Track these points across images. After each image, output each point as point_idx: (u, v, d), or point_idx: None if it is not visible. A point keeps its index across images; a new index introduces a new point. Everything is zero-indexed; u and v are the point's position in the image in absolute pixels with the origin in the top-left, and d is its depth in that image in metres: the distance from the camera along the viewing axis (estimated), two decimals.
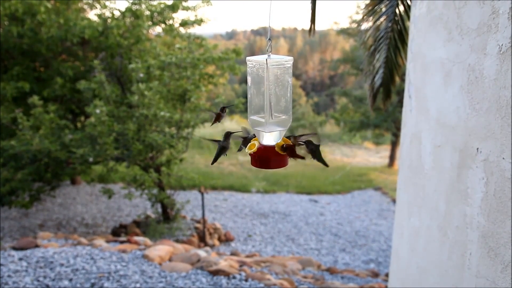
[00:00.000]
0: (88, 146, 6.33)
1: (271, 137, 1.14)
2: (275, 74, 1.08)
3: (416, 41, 2.36)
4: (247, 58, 1.10)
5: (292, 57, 1.11)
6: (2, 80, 7.11)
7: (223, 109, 1.37)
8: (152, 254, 4.37)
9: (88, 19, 7.72)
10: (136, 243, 5.23)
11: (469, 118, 1.72)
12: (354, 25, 15.02)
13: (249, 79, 1.11)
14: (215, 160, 1.29)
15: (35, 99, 6.28)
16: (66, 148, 6.43)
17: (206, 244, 6.95)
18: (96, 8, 8.60)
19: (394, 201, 9.89)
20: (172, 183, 7.36)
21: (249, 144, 1.17)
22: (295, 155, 1.14)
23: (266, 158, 1.14)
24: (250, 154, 1.15)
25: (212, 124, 1.42)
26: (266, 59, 1.05)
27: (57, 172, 7.18)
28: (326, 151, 16.20)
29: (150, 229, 6.88)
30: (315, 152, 1.15)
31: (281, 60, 1.08)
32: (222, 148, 1.27)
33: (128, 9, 7.38)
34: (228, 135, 1.27)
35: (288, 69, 1.09)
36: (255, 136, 1.20)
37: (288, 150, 1.13)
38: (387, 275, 5.62)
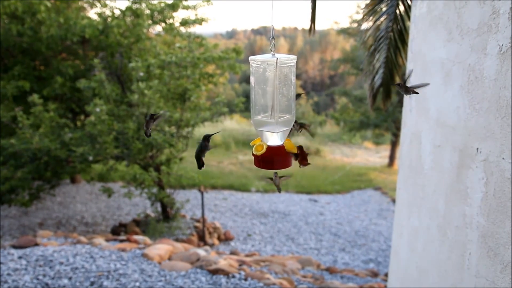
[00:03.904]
0: (88, 144, 6.33)
1: (277, 137, 1.13)
2: (281, 73, 1.08)
3: (416, 41, 2.36)
4: (251, 57, 1.09)
5: (295, 56, 1.10)
6: (2, 79, 7.10)
7: (152, 116, 1.32)
8: (152, 253, 4.38)
9: (89, 18, 7.71)
10: (136, 242, 5.23)
11: (469, 118, 1.72)
12: (354, 25, 15.01)
13: (252, 79, 1.10)
14: (199, 161, 1.29)
15: (35, 97, 6.28)
16: (66, 146, 6.43)
17: (205, 243, 6.95)
18: (97, 7, 8.60)
19: (393, 201, 9.89)
20: (171, 182, 7.36)
21: (255, 145, 1.15)
22: (305, 162, 1.18)
23: (270, 158, 1.13)
24: (254, 155, 1.14)
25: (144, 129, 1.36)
26: (277, 58, 1.05)
27: (57, 171, 7.18)
28: (326, 151, 16.20)
29: (150, 228, 6.88)
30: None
31: (287, 59, 1.08)
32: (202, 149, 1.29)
33: (129, 8, 7.37)
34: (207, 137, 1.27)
35: (291, 68, 1.09)
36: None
37: (300, 156, 1.17)
38: (386, 275, 5.62)
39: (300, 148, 1.16)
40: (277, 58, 1.05)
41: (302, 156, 1.16)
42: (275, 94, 1.07)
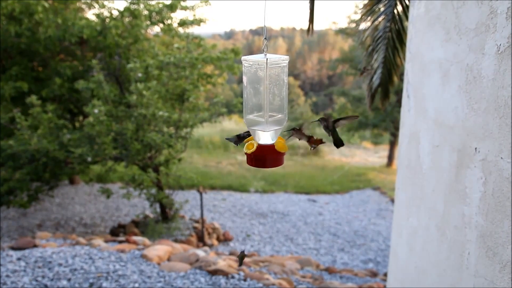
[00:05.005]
0: (86, 145, 6.32)
1: (268, 136, 1.14)
2: (273, 73, 1.09)
3: (414, 41, 2.36)
4: (243, 57, 1.11)
5: (288, 56, 1.12)
6: (1, 80, 7.09)
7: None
8: (151, 254, 4.37)
9: (87, 19, 7.70)
10: (135, 243, 5.22)
11: (467, 118, 1.72)
12: (353, 25, 15.04)
13: (244, 78, 1.12)
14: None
15: (33, 98, 6.27)
16: (64, 147, 6.42)
17: (204, 244, 6.94)
18: (95, 7, 8.58)
19: (392, 200, 9.90)
20: (170, 182, 7.36)
21: (247, 143, 1.17)
22: (317, 142, 1.24)
23: (262, 157, 1.15)
24: (246, 154, 1.16)
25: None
26: (267, 59, 1.06)
27: (55, 172, 7.17)
28: (325, 151, 16.21)
29: (149, 229, 6.87)
30: (330, 128, 1.24)
31: (278, 60, 1.09)
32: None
33: (127, 9, 7.36)
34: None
35: (284, 68, 1.11)
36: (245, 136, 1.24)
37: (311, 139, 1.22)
38: (385, 274, 5.62)
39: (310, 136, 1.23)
40: (267, 59, 1.06)
41: (311, 140, 1.22)
42: (266, 94, 1.09)
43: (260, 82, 1.10)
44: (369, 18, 3.63)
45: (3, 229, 7.42)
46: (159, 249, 4.53)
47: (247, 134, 1.24)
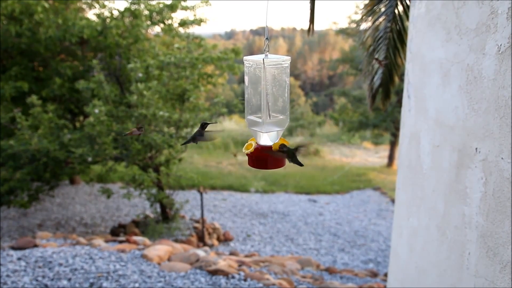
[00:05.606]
0: (87, 145, 6.32)
1: (268, 137, 1.13)
2: (273, 74, 1.08)
3: (415, 41, 2.36)
4: (244, 57, 1.09)
5: (289, 57, 1.10)
6: (1, 80, 7.09)
7: (203, 126, 1.36)
8: (151, 254, 4.37)
9: (87, 19, 7.70)
10: (135, 243, 5.22)
11: (468, 118, 1.72)
12: (353, 25, 15.03)
13: (246, 78, 1.11)
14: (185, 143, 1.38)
15: (33, 98, 6.27)
16: (65, 147, 6.42)
17: (205, 244, 6.94)
18: (95, 7, 8.60)
19: (393, 201, 9.89)
20: (171, 182, 7.35)
21: (246, 144, 1.16)
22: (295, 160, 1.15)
23: (263, 158, 1.14)
24: (247, 154, 1.15)
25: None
26: (263, 59, 1.05)
27: (56, 172, 7.17)
28: (325, 151, 16.21)
29: (149, 229, 6.87)
30: (290, 154, 1.15)
31: (279, 60, 1.07)
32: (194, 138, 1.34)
33: (127, 9, 7.37)
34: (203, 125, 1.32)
35: (285, 69, 1.09)
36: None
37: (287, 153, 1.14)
38: (386, 275, 5.62)
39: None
40: (263, 59, 1.05)
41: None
42: (264, 95, 1.08)
43: (260, 83, 1.08)
44: (370, 18, 3.62)
45: (3, 229, 7.42)
46: (160, 249, 4.54)
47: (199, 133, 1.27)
